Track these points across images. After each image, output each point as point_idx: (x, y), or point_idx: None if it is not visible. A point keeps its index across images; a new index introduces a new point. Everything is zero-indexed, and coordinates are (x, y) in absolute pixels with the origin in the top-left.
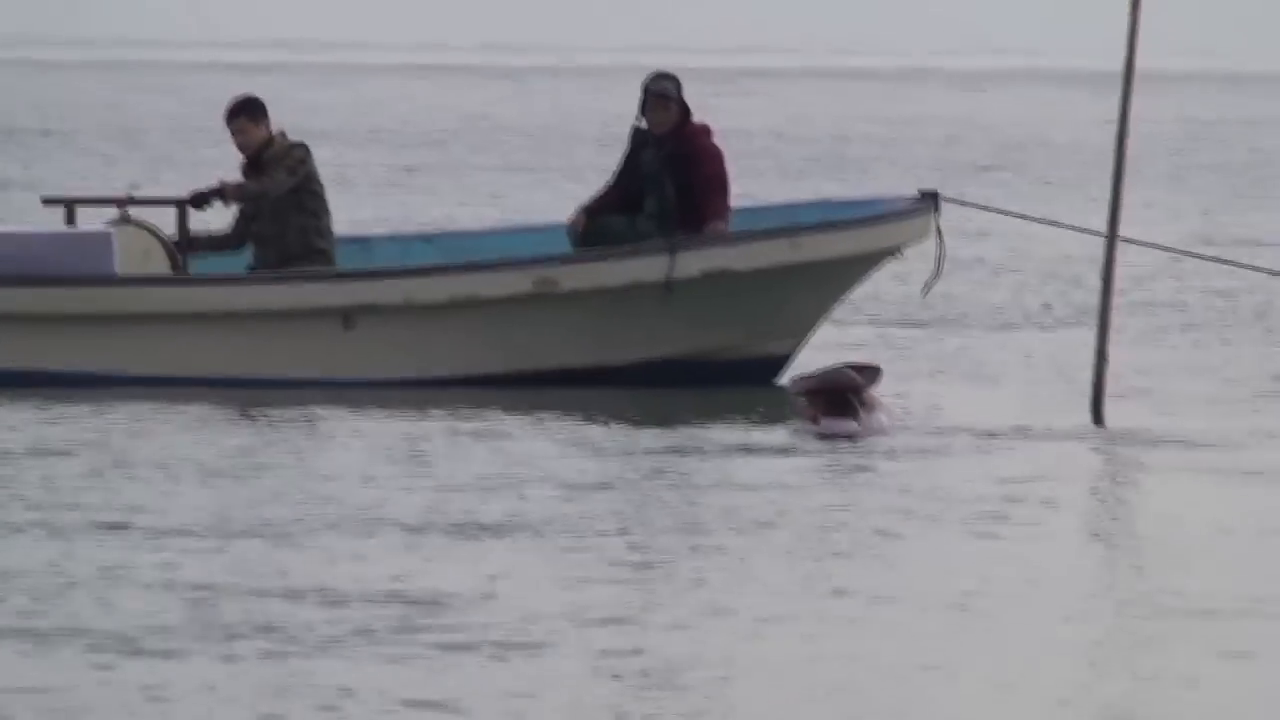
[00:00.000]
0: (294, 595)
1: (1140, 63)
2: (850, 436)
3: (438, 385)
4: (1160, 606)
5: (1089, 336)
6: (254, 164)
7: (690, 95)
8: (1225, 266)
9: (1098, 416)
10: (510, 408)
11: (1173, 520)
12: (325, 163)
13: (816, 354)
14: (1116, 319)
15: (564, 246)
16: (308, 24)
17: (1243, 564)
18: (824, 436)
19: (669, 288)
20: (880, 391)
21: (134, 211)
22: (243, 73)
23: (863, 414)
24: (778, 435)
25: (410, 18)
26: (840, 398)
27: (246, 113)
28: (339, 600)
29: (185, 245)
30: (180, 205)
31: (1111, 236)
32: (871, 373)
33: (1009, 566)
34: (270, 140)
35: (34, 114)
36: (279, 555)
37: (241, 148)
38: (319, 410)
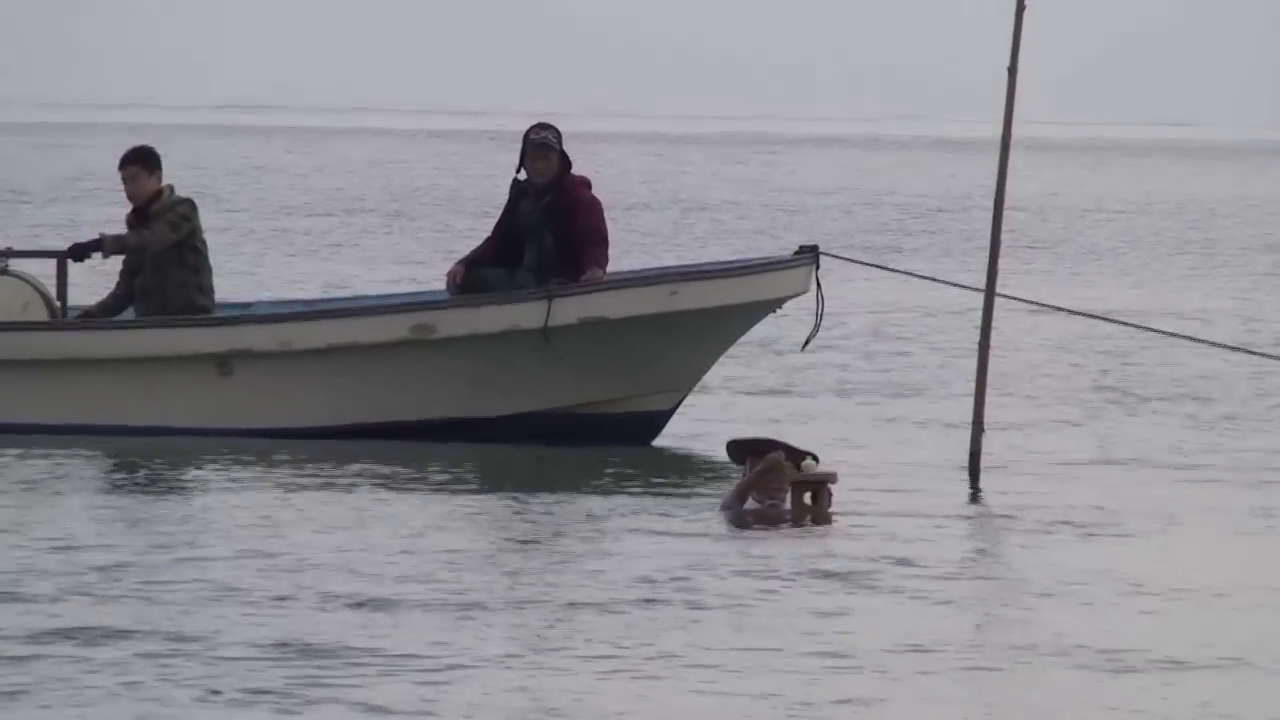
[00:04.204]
0: (168, 655)
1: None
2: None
3: (313, 436)
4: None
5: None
6: (140, 215)
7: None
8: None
9: (974, 485)
10: (383, 464)
11: (1037, 584)
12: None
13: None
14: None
15: None
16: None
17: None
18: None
19: (546, 335)
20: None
21: (13, 264)
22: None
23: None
24: (654, 501)
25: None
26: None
27: (140, 161)
28: (207, 664)
29: (65, 296)
30: (60, 257)
31: (989, 300)
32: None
33: (877, 630)
34: (159, 193)
35: None
36: (149, 616)
37: (131, 196)
38: (194, 462)
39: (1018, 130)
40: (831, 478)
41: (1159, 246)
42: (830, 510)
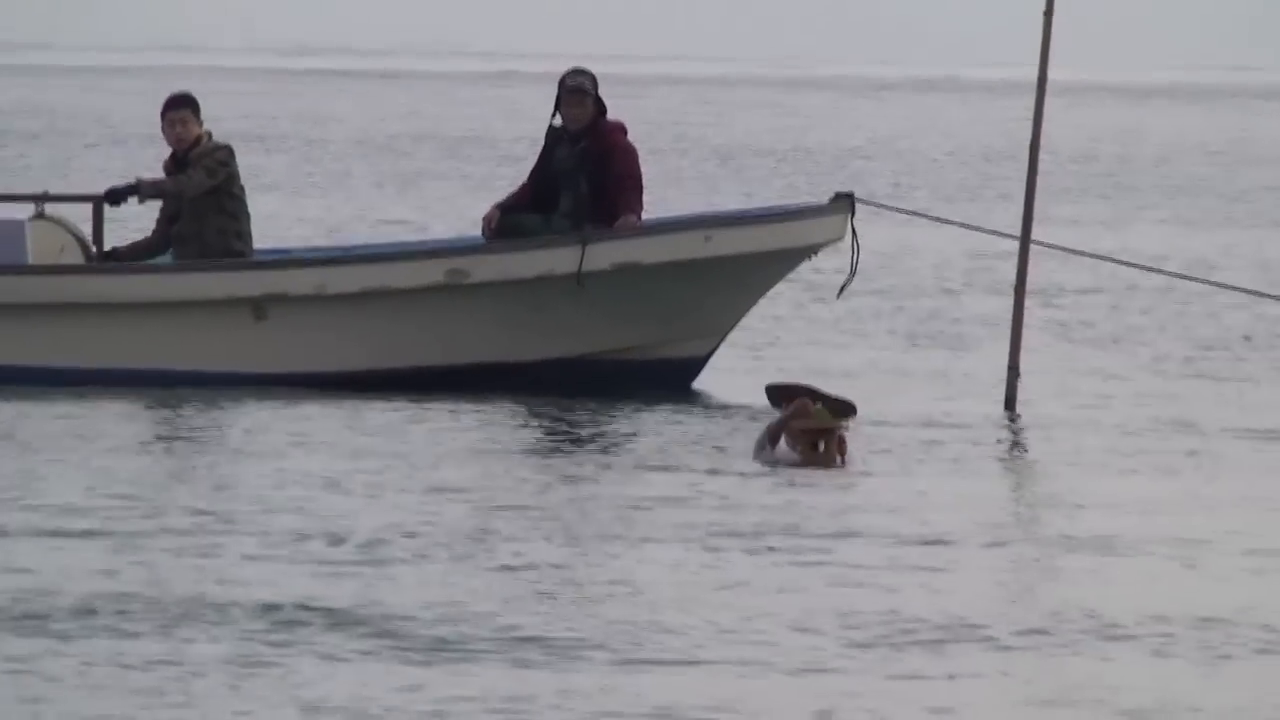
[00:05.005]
0: (212, 601)
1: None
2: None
3: (347, 381)
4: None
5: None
6: (178, 162)
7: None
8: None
9: (1010, 430)
10: (419, 408)
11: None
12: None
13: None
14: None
15: None
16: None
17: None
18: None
19: (580, 280)
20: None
21: (50, 208)
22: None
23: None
24: (694, 445)
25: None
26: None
27: (190, 105)
28: (256, 606)
29: (101, 241)
30: (96, 202)
31: (1024, 245)
32: (845, 408)
33: (899, 587)
34: (198, 139)
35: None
36: (191, 559)
37: (179, 140)
38: (228, 407)
39: (1067, 74)
40: (841, 425)
41: (1208, 192)
42: (842, 457)
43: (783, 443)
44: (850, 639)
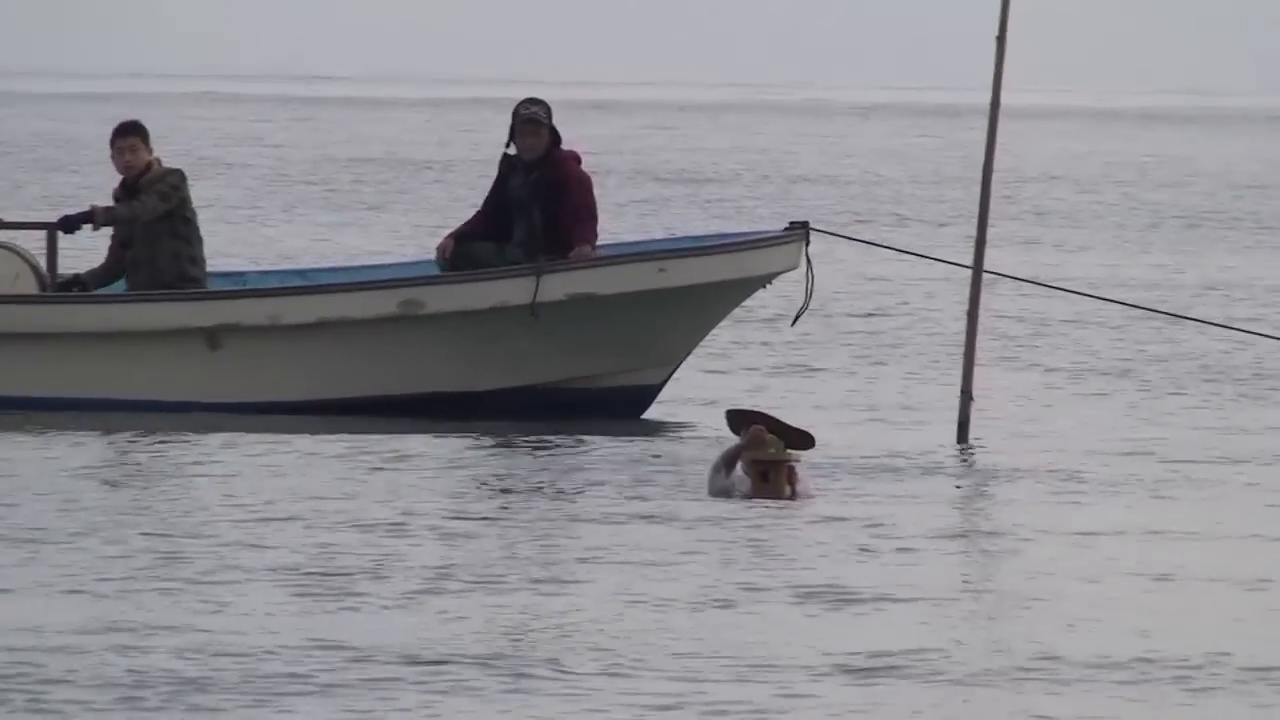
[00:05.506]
0: (166, 644)
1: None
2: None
3: (301, 410)
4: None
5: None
6: (128, 189)
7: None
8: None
9: (962, 454)
10: (373, 439)
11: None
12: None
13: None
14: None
15: None
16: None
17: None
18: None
19: (534, 311)
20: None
21: (3, 235)
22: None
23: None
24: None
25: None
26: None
27: (140, 133)
28: (213, 648)
29: (55, 269)
30: (50, 229)
31: (977, 269)
32: (804, 439)
33: (850, 621)
34: (149, 165)
35: None
36: (148, 590)
37: (128, 167)
38: (182, 436)
39: (1036, 98)
40: (790, 458)
41: (1169, 217)
42: (793, 488)
43: (739, 469)
44: (805, 671)
